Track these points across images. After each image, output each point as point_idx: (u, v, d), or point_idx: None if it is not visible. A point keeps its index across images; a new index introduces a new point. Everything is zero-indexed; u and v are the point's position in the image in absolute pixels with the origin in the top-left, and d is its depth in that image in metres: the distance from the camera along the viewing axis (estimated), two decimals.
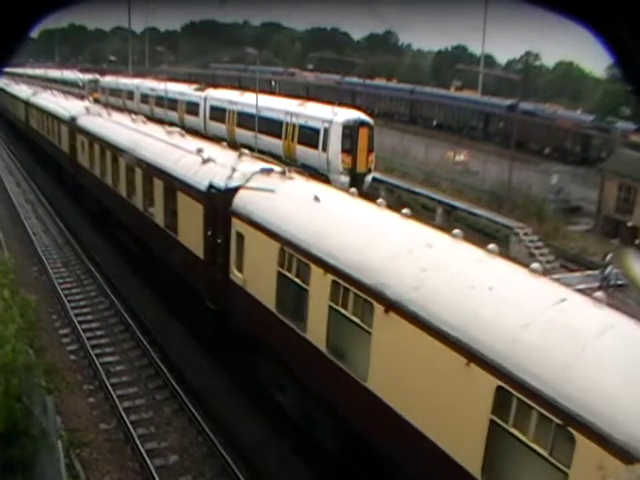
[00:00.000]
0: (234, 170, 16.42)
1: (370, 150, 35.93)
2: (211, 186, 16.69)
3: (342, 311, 11.35)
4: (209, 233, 16.83)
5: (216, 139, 34.41)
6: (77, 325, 20.92)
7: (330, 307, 11.62)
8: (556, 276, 10.80)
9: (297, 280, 12.89)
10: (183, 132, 24.66)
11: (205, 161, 18.27)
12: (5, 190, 41.58)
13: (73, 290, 24.46)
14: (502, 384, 8.06)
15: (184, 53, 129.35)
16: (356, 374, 10.96)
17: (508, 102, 52.96)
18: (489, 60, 63.68)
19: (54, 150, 40.46)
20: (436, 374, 9.19)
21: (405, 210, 12.67)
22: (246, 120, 44.83)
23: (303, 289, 12.63)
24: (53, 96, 48.95)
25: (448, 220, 32.56)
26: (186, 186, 18.38)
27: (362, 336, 10.76)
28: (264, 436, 14.59)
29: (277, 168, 16.69)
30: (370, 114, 40.99)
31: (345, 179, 34.46)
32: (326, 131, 35.98)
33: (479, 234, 29.19)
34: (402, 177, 39.76)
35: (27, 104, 51.64)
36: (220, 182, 16.36)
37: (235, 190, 15.77)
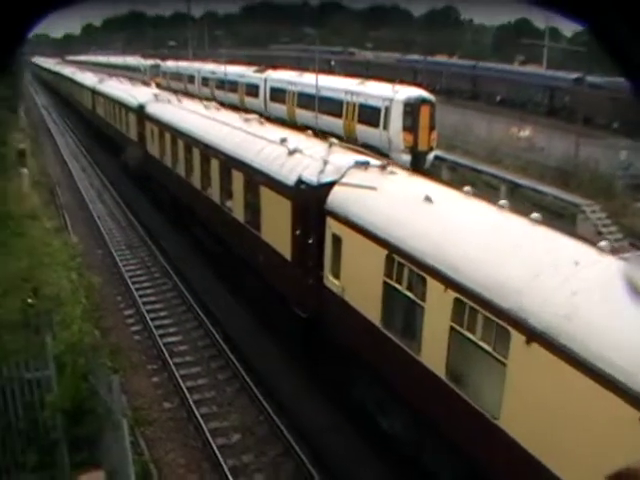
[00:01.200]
0: (326, 163, 14.92)
1: (432, 128, 35.39)
2: (300, 181, 15.16)
3: (468, 335, 9.80)
4: (298, 232, 15.25)
5: (277, 120, 34.42)
6: (141, 306, 21.25)
7: (452, 328, 10.07)
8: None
9: (409, 294, 11.36)
10: (262, 120, 23.00)
11: (291, 152, 16.69)
12: (71, 175, 42.54)
13: (137, 272, 24.87)
14: None
15: (243, 36, 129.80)
16: (484, 409, 9.50)
17: (574, 76, 51.38)
18: (554, 33, 61.82)
19: (122, 138, 39.91)
20: (596, 425, 7.61)
21: (535, 215, 10.72)
22: (306, 100, 44.78)
23: (417, 305, 11.10)
24: (120, 83, 48.71)
25: (512, 198, 31.84)
26: (271, 180, 16.79)
27: (494, 367, 9.23)
28: (329, 421, 14.53)
29: (374, 161, 15.04)
30: (431, 91, 40.36)
31: (407, 157, 34.07)
32: (387, 109, 35.58)
33: (544, 212, 28.44)
34: (464, 155, 39.05)
35: (93, 92, 51.78)
36: (311, 176, 14.83)
37: (329, 186, 14.21)
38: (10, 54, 2.08)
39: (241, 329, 19.03)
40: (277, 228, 16.57)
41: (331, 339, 14.46)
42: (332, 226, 13.87)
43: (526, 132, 41.74)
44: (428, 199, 11.88)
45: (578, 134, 35.31)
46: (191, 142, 24.46)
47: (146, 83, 59.48)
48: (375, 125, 36.39)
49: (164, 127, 28.82)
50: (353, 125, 38.98)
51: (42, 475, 11.05)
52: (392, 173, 14.19)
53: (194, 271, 23.67)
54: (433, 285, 10.56)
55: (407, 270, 11.37)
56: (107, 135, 45.67)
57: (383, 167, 14.40)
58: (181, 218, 27.61)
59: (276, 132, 20.03)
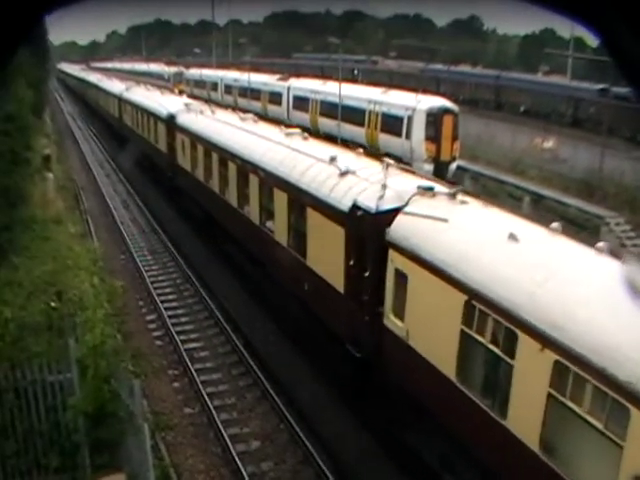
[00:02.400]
0: (385, 187, 13.49)
1: (454, 138, 35.24)
2: (356, 206, 13.75)
3: (571, 405, 8.31)
4: (352, 263, 13.83)
5: (300, 127, 34.36)
6: (163, 311, 21.33)
7: (550, 395, 8.60)
8: None
9: (494, 349, 9.81)
10: (306, 135, 21.45)
11: (343, 173, 15.29)
12: (95, 182, 42.90)
13: (159, 277, 24.98)
14: None
15: (267, 44, 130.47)
16: None
17: (599, 86, 51.05)
18: (579, 43, 61.24)
19: (150, 149, 38.71)
20: None
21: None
22: (329, 109, 44.84)
23: (504, 362, 9.58)
24: (148, 91, 47.66)
25: (536, 209, 31.64)
26: (320, 203, 15.39)
27: (606, 447, 7.77)
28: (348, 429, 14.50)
29: (439, 187, 13.63)
30: (455, 101, 40.27)
31: (429, 167, 33.97)
32: (410, 119, 35.51)
33: (568, 224, 28.24)
34: (487, 165, 38.89)
35: (120, 99, 50.83)
36: (368, 202, 13.45)
37: (389, 214, 12.82)
38: (12, 52, 2.10)
39: (263, 335, 19.06)
40: (327, 256, 15.18)
41: (391, 385, 12.98)
42: (395, 260, 12.42)
43: (550, 143, 41.49)
44: (513, 237, 10.31)
45: (603, 146, 35.02)
46: (227, 156, 23.17)
47: (174, 91, 59.65)
48: (398, 134, 36.34)
49: (196, 139, 27.66)
50: (376, 134, 38.96)
51: (64, 477, 11.13)
52: (463, 202, 12.64)
53: (217, 278, 23.67)
54: (526, 342, 9.07)
55: (492, 321, 9.84)
56: (135, 145, 44.27)
57: (452, 195, 12.89)
58: (212, 233, 26.37)
59: (322, 149, 18.85)
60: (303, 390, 16.12)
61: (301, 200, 16.75)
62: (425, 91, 41.36)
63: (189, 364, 17.80)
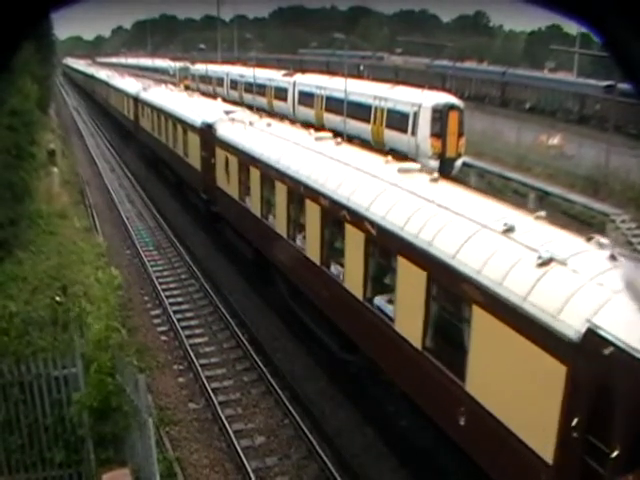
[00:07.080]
0: None
1: (460, 134, 35.23)
2: (599, 336, 8.00)
3: None
4: (575, 423, 8.21)
5: (306, 124, 34.21)
6: (168, 307, 21.34)
7: None
8: None
9: None
10: (435, 175, 14.26)
11: (546, 262, 9.25)
12: (105, 184, 42.91)
13: (164, 273, 24.99)
14: None
15: (272, 39, 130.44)
16: None
17: (605, 83, 50.89)
18: (586, 39, 60.91)
19: (177, 162, 33.26)
20: None
21: None
22: (334, 105, 44.86)
23: None
24: (171, 92, 42.64)
25: (541, 206, 31.56)
26: (503, 308, 9.49)
27: None
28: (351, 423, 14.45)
29: None
30: (460, 97, 40.22)
31: (434, 164, 33.93)
32: (415, 115, 35.48)
33: (574, 221, 28.17)
34: (493, 161, 38.78)
35: (137, 100, 45.23)
36: (625, 336, 7.69)
37: None
38: (17, 47, 2.08)
39: (268, 329, 19.01)
40: (515, 393, 9.38)
41: None
42: None
43: (556, 140, 41.36)
44: None
45: (609, 143, 34.90)
46: (304, 192, 17.03)
47: (179, 86, 59.34)
48: (403, 131, 36.31)
49: (250, 160, 21.37)
50: (381, 130, 38.95)
51: (69, 472, 11.15)
52: None
53: (221, 273, 23.61)
54: None
55: None
56: (155, 153, 40.28)
57: None
58: (272, 281, 20.84)
59: (473, 203, 12.52)
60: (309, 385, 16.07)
61: (458, 289, 10.84)
62: (431, 87, 41.32)
63: (194, 359, 17.77)
